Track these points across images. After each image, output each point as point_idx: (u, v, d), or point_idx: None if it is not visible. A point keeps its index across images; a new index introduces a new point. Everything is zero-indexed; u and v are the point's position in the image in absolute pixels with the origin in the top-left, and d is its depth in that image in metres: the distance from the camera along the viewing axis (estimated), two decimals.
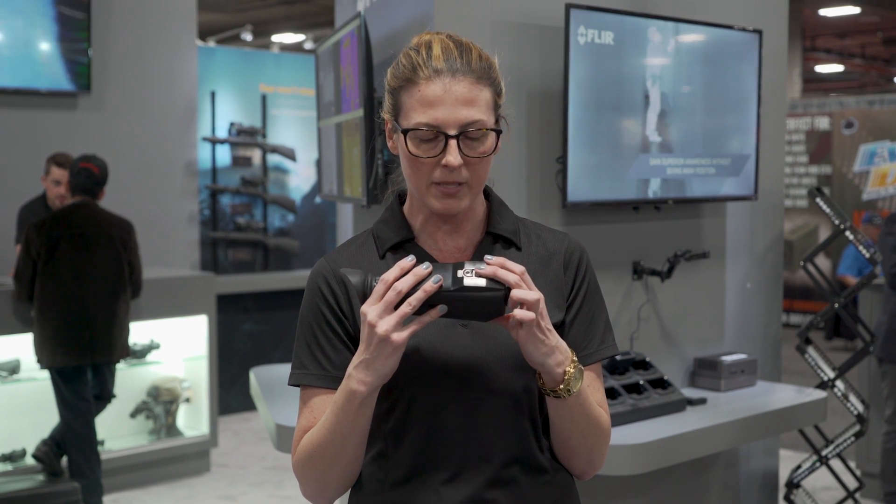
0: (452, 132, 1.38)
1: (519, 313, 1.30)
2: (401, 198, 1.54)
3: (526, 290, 1.30)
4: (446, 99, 1.38)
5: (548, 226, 1.58)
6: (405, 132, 1.40)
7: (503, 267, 1.30)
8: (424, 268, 1.28)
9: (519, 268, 1.31)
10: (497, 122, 1.44)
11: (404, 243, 1.48)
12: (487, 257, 1.31)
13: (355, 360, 1.33)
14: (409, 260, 1.30)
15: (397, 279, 1.29)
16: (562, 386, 1.36)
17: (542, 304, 1.32)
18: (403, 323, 1.29)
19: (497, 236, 1.50)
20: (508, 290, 1.30)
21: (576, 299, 1.50)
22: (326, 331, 1.45)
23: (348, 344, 1.45)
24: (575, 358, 1.38)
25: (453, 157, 1.37)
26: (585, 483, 1.58)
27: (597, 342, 1.50)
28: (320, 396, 1.44)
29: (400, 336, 1.29)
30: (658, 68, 3.23)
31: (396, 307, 1.29)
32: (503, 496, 1.41)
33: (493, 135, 1.41)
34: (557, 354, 1.35)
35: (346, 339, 1.45)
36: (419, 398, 1.40)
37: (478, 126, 1.39)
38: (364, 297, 1.32)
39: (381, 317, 1.29)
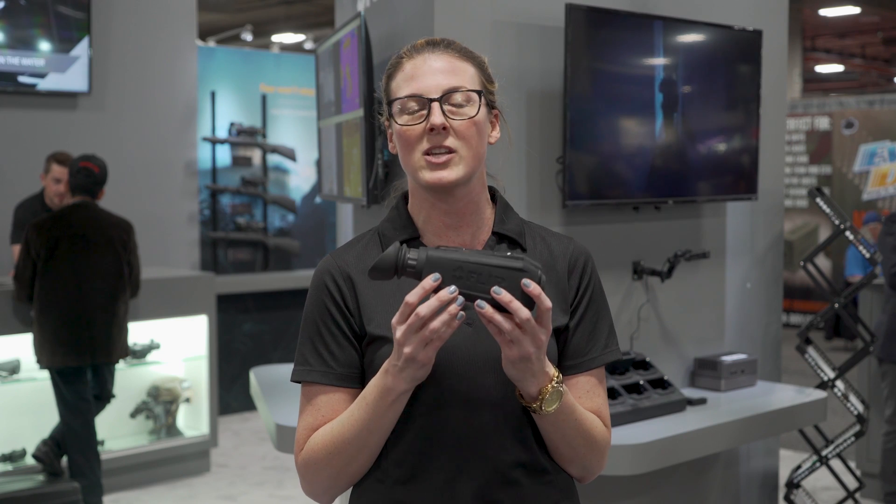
0: (434, 96, 1.41)
1: (515, 351, 1.29)
2: (406, 197, 1.54)
3: (536, 330, 1.28)
4: (426, 70, 1.44)
5: (552, 230, 1.58)
6: (390, 104, 1.45)
7: (538, 299, 1.27)
8: (450, 292, 1.27)
9: (546, 303, 1.28)
10: (486, 97, 1.46)
11: (409, 241, 1.48)
12: (525, 282, 1.27)
13: (388, 363, 1.34)
14: (434, 280, 1.28)
15: (420, 299, 1.27)
16: (535, 404, 1.37)
17: (545, 342, 1.31)
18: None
19: (502, 237, 1.50)
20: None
21: (580, 305, 1.50)
22: (332, 328, 1.45)
23: (353, 342, 1.45)
24: (557, 379, 1.36)
25: (436, 117, 1.40)
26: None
27: (599, 347, 1.50)
28: (325, 394, 1.44)
29: (426, 356, 1.30)
30: (658, 68, 3.23)
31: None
32: (505, 495, 1.41)
33: (478, 101, 1.43)
34: (539, 377, 1.34)
35: (351, 337, 1.45)
36: (421, 396, 1.39)
37: (460, 89, 1.42)
38: (396, 269, 1.30)
39: (406, 337, 1.29)
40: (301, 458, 1.46)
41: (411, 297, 1.27)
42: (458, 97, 1.42)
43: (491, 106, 1.49)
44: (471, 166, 1.43)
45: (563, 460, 1.47)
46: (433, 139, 1.41)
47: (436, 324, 1.27)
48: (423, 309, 1.27)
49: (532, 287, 1.27)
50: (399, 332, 1.29)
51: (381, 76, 1.52)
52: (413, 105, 1.42)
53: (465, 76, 1.44)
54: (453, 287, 1.27)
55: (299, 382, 1.48)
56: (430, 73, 1.43)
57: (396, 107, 1.44)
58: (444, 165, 1.41)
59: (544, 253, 1.51)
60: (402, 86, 1.44)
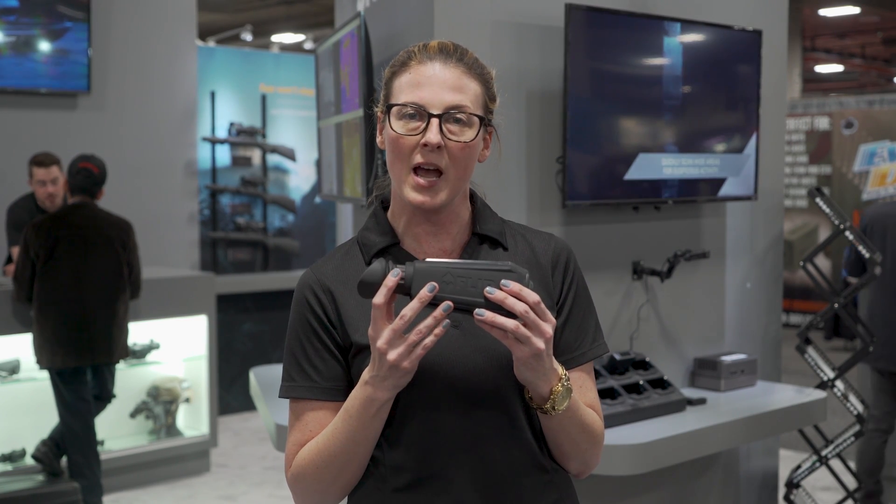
0: (435, 111, 1.39)
1: (526, 349, 1.28)
2: (384, 204, 1.53)
3: (538, 322, 1.27)
4: (434, 81, 1.41)
5: (532, 227, 1.58)
6: (389, 108, 1.42)
7: (518, 296, 1.27)
8: (429, 290, 1.26)
9: (533, 297, 1.27)
10: (486, 121, 1.44)
11: (390, 248, 1.47)
12: (504, 282, 1.27)
13: (367, 374, 1.33)
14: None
15: (416, 313, 1.26)
16: (547, 405, 1.37)
17: (551, 335, 1.30)
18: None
19: (483, 237, 1.50)
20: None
21: (566, 302, 1.50)
22: (315, 342, 1.45)
23: (337, 355, 1.44)
24: (565, 377, 1.37)
25: (433, 134, 1.38)
26: (585, 482, 1.58)
27: (588, 342, 1.51)
28: (311, 410, 1.44)
29: (410, 363, 1.29)
30: (658, 68, 3.23)
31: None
32: (505, 497, 1.41)
33: (477, 125, 1.42)
34: (549, 376, 1.34)
35: (334, 350, 1.44)
36: (415, 402, 1.39)
37: (462, 110, 1.40)
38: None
39: (390, 344, 1.28)
40: (290, 473, 1.45)
41: (408, 311, 1.27)
42: (458, 116, 1.40)
43: (488, 123, 1.47)
44: (456, 188, 1.42)
45: (564, 457, 1.47)
46: (426, 155, 1.39)
47: (421, 327, 1.26)
48: (408, 311, 1.26)
49: (511, 285, 1.26)
50: (382, 340, 1.28)
51: (382, 73, 1.51)
52: (412, 114, 1.40)
53: (470, 94, 1.42)
54: (432, 284, 1.26)
55: (286, 398, 1.48)
56: (436, 84, 1.40)
57: (395, 111, 1.42)
58: (429, 189, 1.40)
59: (526, 251, 1.51)
60: (406, 90, 1.41)
